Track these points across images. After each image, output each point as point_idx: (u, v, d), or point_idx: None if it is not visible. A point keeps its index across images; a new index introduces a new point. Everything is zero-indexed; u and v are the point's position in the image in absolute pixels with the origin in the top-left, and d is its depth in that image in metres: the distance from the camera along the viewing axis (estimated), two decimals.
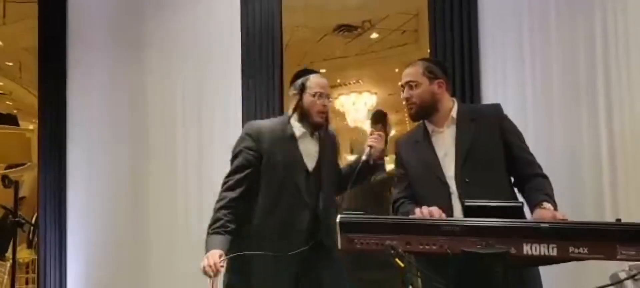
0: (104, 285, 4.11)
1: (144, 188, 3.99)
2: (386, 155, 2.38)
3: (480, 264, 1.29)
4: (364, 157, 2.16)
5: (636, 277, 1.41)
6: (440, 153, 1.98)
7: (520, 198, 1.94)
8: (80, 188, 4.29)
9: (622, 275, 1.51)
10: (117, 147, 4.13)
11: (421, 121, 2.08)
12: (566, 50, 2.72)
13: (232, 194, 2.16)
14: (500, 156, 1.95)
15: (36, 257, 4.36)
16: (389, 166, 2.88)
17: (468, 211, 1.53)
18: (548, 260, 1.39)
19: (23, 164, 4.73)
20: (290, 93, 2.27)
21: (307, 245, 2.10)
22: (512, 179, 2.00)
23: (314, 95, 2.17)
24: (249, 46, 3.63)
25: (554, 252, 1.34)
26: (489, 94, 2.91)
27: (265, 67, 3.56)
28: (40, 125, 4.35)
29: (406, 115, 2.09)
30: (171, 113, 3.92)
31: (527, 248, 1.35)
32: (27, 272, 4.72)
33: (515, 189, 2.00)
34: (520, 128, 2.05)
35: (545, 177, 1.92)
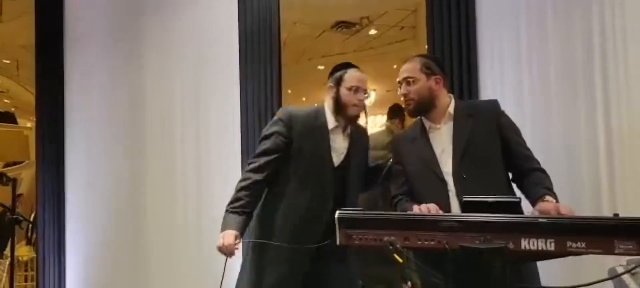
0: (103, 282, 4.11)
1: (142, 186, 3.99)
2: None
3: (478, 259, 1.29)
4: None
5: (633, 271, 1.42)
6: (437, 150, 1.98)
7: (518, 194, 1.94)
8: (78, 186, 4.29)
9: (620, 270, 1.51)
10: (115, 145, 4.13)
11: (418, 117, 2.08)
12: (563, 45, 2.72)
13: (256, 176, 2.17)
14: (497, 152, 1.95)
15: (35, 255, 4.36)
16: None
17: (466, 206, 1.53)
18: (546, 255, 1.39)
19: (21, 162, 4.72)
20: (328, 85, 2.26)
21: (325, 241, 2.09)
22: (510, 175, 2.00)
23: (350, 89, 2.17)
24: (247, 43, 3.62)
25: (551, 246, 1.34)
26: (487, 90, 2.91)
27: (264, 64, 3.56)
28: (38, 123, 4.35)
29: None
30: (169, 111, 3.92)
31: (525, 243, 1.35)
32: (26, 270, 4.72)
33: (513, 185, 2.00)
34: (518, 124, 2.05)
35: (543, 171, 1.92)
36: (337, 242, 1.51)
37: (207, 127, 3.77)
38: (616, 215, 1.39)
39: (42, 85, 4.35)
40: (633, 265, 1.41)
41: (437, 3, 3.01)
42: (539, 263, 1.86)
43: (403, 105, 2.11)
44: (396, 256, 1.41)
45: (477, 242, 1.35)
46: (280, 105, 3.53)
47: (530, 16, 2.83)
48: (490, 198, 1.50)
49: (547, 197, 1.75)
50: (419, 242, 1.42)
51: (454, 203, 1.88)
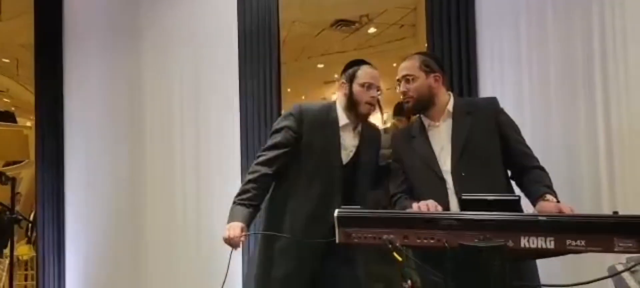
0: (103, 281, 4.11)
1: (141, 185, 3.99)
2: None
3: (477, 258, 1.29)
4: None
5: (633, 269, 1.42)
6: (436, 148, 1.98)
7: (517, 191, 1.94)
8: (78, 185, 4.29)
9: (620, 268, 1.51)
10: (115, 144, 4.12)
11: (417, 115, 2.08)
12: (563, 44, 2.72)
13: (264, 169, 2.17)
14: (496, 149, 1.95)
15: (35, 254, 4.36)
16: None
17: (465, 205, 1.53)
18: (546, 253, 1.39)
19: (21, 161, 4.73)
20: (340, 82, 2.26)
21: (332, 237, 2.09)
22: (509, 172, 2.00)
23: (362, 85, 2.16)
24: (247, 42, 3.61)
25: (551, 244, 1.34)
26: (487, 88, 2.90)
27: (263, 63, 3.55)
28: (37, 122, 4.34)
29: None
30: (169, 110, 3.92)
31: (524, 242, 1.35)
32: (26, 269, 4.72)
33: (513, 182, 2.00)
34: (518, 123, 2.05)
35: (543, 169, 1.92)
36: (336, 240, 1.51)
37: (206, 125, 3.77)
38: (616, 213, 1.39)
39: (41, 85, 4.34)
40: (633, 263, 1.40)
41: (437, 1, 3.01)
42: (539, 261, 1.86)
43: (402, 103, 2.10)
44: (395, 254, 1.41)
45: (476, 240, 1.35)
46: (279, 103, 3.52)
47: (530, 15, 2.83)
48: (490, 196, 1.50)
49: (548, 196, 1.75)
50: (418, 240, 1.42)
51: (453, 202, 1.88)
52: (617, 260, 1.63)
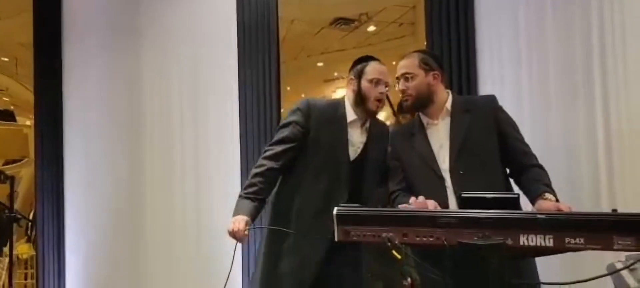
0: (103, 279, 4.12)
1: (141, 183, 3.99)
2: None
3: (476, 255, 1.29)
4: None
5: (632, 267, 1.42)
6: (435, 146, 1.98)
7: (516, 190, 1.94)
8: (77, 184, 4.29)
9: (619, 266, 1.51)
10: (114, 142, 4.13)
11: (416, 113, 2.07)
12: (562, 41, 2.71)
13: (271, 163, 2.17)
14: (495, 147, 1.95)
15: (35, 253, 4.36)
16: None
17: (463, 202, 1.53)
18: (544, 251, 1.40)
19: (20, 160, 4.72)
20: (348, 78, 2.26)
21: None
22: (508, 170, 2.00)
23: (371, 81, 2.16)
24: (246, 41, 3.62)
25: (550, 242, 1.34)
26: (486, 86, 2.90)
27: (262, 61, 3.56)
28: (37, 121, 4.34)
29: None
30: (168, 108, 3.92)
31: (523, 239, 1.35)
32: (26, 268, 4.72)
33: (511, 180, 2.00)
34: (517, 120, 2.05)
35: (541, 167, 1.92)
36: (335, 238, 1.51)
37: (206, 124, 3.77)
38: (614, 210, 1.39)
39: (40, 83, 4.34)
40: (632, 261, 1.41)
41: None
42: (539, 259, 1.86)
43: (401, 101, 2.10)
44: (394, 252, 1.41)
45: (475, 238, 1.35)
46: (279, 102, 3.52)
47: (529, 11, 2.82)
48: (489, 194, 1.50)
49: (547, 195, 1.75)
50: (417, 238, 1.42)
51: (452, 200, 1.88)
52: (617, 258, 1.63)
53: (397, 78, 2.05)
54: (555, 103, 2.71)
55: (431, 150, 1.97)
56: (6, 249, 3.00)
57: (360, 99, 2.18)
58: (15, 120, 5.14)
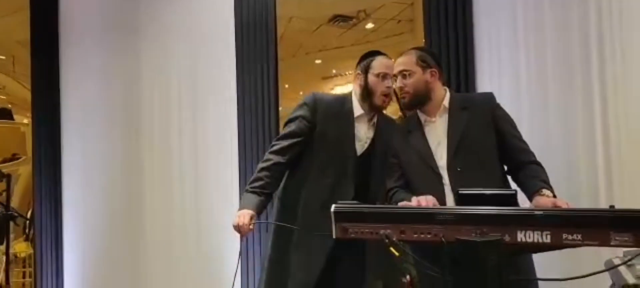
0: (101, 278, 4.11)
1: (139, 181, 3.99)
2: None
3: (474, 252, 1.29)
4: None
5: (630, 263, 1.42)
6: (433, 143, 1.98)
7: (513, 186, 1.94)
8: (75, 182, 4.29)
9: (617, 262, 1.51)
10: (112, 141, 4.12)
11: (414, 111, 2.07)
12: (561, 39, 2.71)
13: (277, 158, 2.17)
14: (492, 144, 1.95)
15: (33, 251, 4.36)
16: None
17: (461, 199, 1.53)
18: (542, 247, 1.40)
19: (18, 158, 4.71)
20: (355, 73, 2.26)
21: None
22: (505, 167, 2.00)
23: (377, 76, 2.16)
24: (244, 38, 3.61)
25: (547, 239, 1.34)
26: (484, 83, 2.90)
27: (260, 59, 3.55)
28: (34, 119, 4.33)
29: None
30: (166, 105, 3.91)
31: (521, 236, 1.35)
32: (24, 266, 4.72)
33: (509, 177, 2.00)
34: (515, 117, 2.05)
35: (539, 164, 1.92)
36: (333, 236, 1.51)
37: (204, 123, 3.77)
38: (612, 207, 1.39)
39: (37, 82, 4.33)
40: (629, 257, 1.41)
41: None
42: (537, 255, 1.86)
43: (399, 99, 2.10)
44: (392, 249, 1.41)
45: (473, 234, 1.35)
46: (277, 100, 3.52)
47: (527, 10, 2.82)
48: (486, 191, 1.50)
49: (544, 191, 1.75)
50: (415, 235, 1.42)
51: (449, 197, 1.88)
52: (614, 254, 1.63)
53: (395, 75, 2.05)
54: (554, 100, 2.72)
55: (429, 148, 1.97)
56: (3, 247, 3.00)
57: (367, 94, 2.18)
58: (12, 119, 5.13)
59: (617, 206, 1.39)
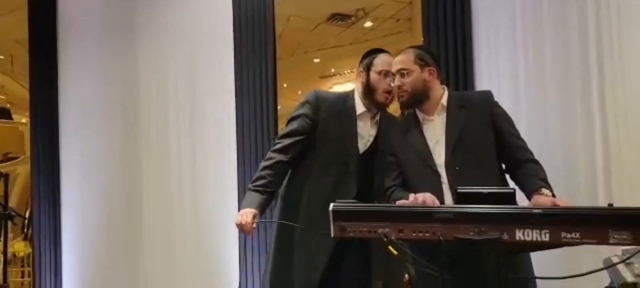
0: (99, 278, 4.11)
1: (137, 180, 3.98)
2: None
3: (473, 251, 1.29)
4: None
5: (628, 261, 1.42)
6: (431, 142, 1.97)
7: (512, 185, 1.94)
8: (74, 181, 4.28)
9: (615, 260, 1.51)
10: (110, 140, 4.11)
11: (412, 109, 2.07)
12: (559, 37, 2.71)
13: (280, 156, 2.17)
14: (490, 143, 1.95)
15: (31, 251, 4.35)
16: None
17: (460, 198, 1.53)
18: (540, 246, 1.40)
19: (16, 157, 4.71)
20: (358, 71, 2.25)
21: None
22: (503, 166, 2.00)
23: (379, 73, 2.16)
24: (242, 37, 3.60)
25: (546, 237, 1.34)
26: (482, 82, 2.90)
27: (258, 58, 3.54)
28: (32, 119, 4.32)
29: None
30: (164, 104, 3.91)
31: (519, 234, 1.35)
32: (23, 266, 4.71)
33: (507, 176, 2.00)
34: (514, 115, 2.05)
35: (537, 162, 1.92)
36: (331, 234, 1.50)
37: (202, 121, 3.76)
38: (610, 205, 1.39)
39: (36, 81, 4.33)
40: (628, 255, 1.41)
41: None
42: (535, 254, 1.86)
43: (397, 97, 2.10)
44: (391, 248, 1.40)
45: (471, 233, 1.35)
46: (275, 99, 3.52)
47: (525, 8, 2.82)
48: (485, 190, 1.50)
49: (543, 190, 1.75)
50: (414, 234, 1.42)
51: (448, 195, 1.88)
52: (613, 252, 1.63)
53: (393, 74, 2.05)
54: (552, 99, 2.71)
55: (427, 146, 1.97)
56: (0, 246, 3.00)
57: (368, 91, 2.18)
58: (11, 118, 5.12)
59: (616, 205, 1.39)
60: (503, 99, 2.09)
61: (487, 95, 2.04)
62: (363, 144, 2.22)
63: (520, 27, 2.83)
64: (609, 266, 1.46)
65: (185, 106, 3.83)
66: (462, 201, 1.51)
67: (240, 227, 2.03)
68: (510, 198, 1.51)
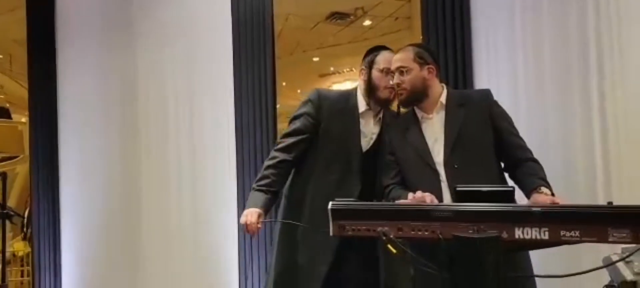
0: (98, 277, 4.10)
1: (137, 179, 3.98)
2: None
3: (472, 249, 1.29)
4: None
5: (628, 260, 1.41)
6: (430, 140, 1.97)
7: (511, 183, 1.93)
8: (73, 181, 4.27)
9: (615, 258, 1.51)
10: (109, 139, 4.11)
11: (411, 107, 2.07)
12: (559, 35, 2.71)
13: (283, 155, 2.17)
14: (489, 141, 1.95)
15: (30, 250, 4.35)
16: None
17: (459, 196, 1.53)
18: (540, 244, 1.39)
19: (15, 157, 4.71)
20: (360, 68, 2.25)
21: None
22: (502, 164, 2.00)
23: (381, 71, 2.16)
24: (241, 36, 3.59)
25: (545, 235, 1.34)
26: (482, 81, 2.89)
27: (257, 56, 3.54)
28: (31, 118, 4.32)
29: None
30: (163, 104, 3.90)
31: (518, 233, 1.35)
32: (22, 265, 4.71)
33: (506, 174, 1.99)
34: (513, 114, 2.04)
35: (536, 161, 1.92)
36: (330, 233, 1.50)
37: (201, 120, 3.75)
38: (610, 203, 1.38)
39: (34, 80, 4.32)
40: (627, 253, 1.40)
41: None
42: (535, 252, 1.86)
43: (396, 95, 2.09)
44: (390, 247, 1.40)
45: (470, 231, 1.35)
46: (274, 98, 3.51)
47: (525, 7, 2.82)
48: (484, 188, 1.50)
49: (542, 189, 1.75)
50: (413, 232, 1.42)
51: (446, 193, 1.88)
52: (613, 250, 1.63)
53: (392, 72, 2.05)
54: (551, 99, 2.71)
55: (426, 144, 1.97)
56: None
57: (370, 89, 2.18)
58: (10, 117, 5.11)
59: (616, 202, 1.39)
60: (502, 99, 2.08)
61: (486, 93, 2.04)
62: (366, 142, 2.22)
63: (519, 27, 2.83)
64: (609, 264, 1.46)
65: (185, 105, 3.82)
66: (461, 199, 1.51)
67: (245, 227, 2.03)
68: (509, 196, 1.51)
